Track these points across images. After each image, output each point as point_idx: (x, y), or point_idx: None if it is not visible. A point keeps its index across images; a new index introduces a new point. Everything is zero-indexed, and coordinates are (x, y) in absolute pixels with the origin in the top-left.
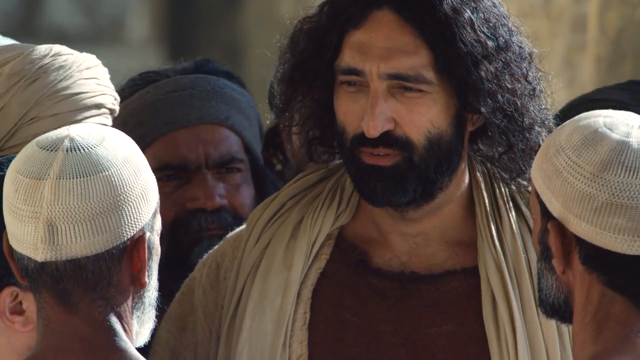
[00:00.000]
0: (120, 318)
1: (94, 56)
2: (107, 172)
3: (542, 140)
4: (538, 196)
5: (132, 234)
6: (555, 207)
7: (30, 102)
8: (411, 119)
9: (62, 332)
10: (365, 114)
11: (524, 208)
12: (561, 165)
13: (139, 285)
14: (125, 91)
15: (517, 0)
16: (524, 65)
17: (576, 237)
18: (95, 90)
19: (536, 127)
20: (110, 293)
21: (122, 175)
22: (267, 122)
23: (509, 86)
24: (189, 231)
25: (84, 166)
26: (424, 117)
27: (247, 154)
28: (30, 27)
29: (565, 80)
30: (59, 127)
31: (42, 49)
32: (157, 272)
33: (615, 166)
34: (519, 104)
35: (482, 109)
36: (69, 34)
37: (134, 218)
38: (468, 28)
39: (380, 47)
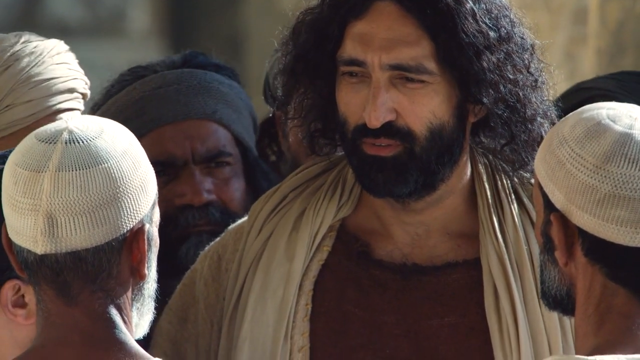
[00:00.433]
0: (120, 310)
1: (62, 42)
2: (106, 164)
3: (545, 131)
4: (541, 188)
5: (131, 225)
6: (558, 199)
7: (4, 90)
8: (413, 109)
9: (61, 325)
10: (367, 104)
11: (525, 200)
12: (564, 157)
13: (139, 277)
14: (114, 87)
15: None
16: (526, 56)
17: (579, 229)
18: (67, 75)
19: (538, 119)
20: (110, 285)
21: (121, 167)
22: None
23: (510, 77)
24: (177, 227)
25: (83, 158)
26: (426, 108)
27: (238, 147)
28: (31, 20)
29: (566, 72)
30: (34, 113)
31: (12, 36)
32: (156, 263)
33: (618, 158)
34: (521, 94)
35: (484, 100)
36: (70, 27)
37: (133, 210)
38: (470, 18)
39: (382, 38)
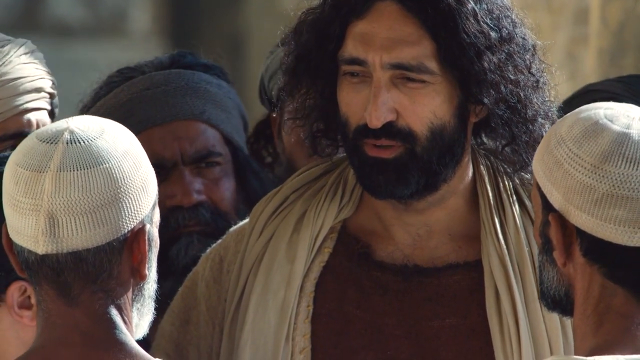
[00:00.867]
0: (120, 310)
1: (29, 41)
2: (107, 165)
3: (546, 132)
4: (539, 188)
5: (132, 226)
6: (556, 199)
7: None
8: (414, 109)
9: (62, 325)
10: (368, 104)
11: (527, 201)
12: (562, 157)
13: (139, 277)
14: (102, 89)
15: None
16: (527, 57)
17: (577, 229)
18: (35, 74)
19: (539, 119)
20: (110, 285)
21: (123, 168)
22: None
23: (512, 77)
24: (167, 228)
25: (85, 159)
26: (427, 108)
27: (228, 146)
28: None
29: (568, 72)
30: (1, 113)
31: None
32: (156, 264)
33: (615, 158)
34: (522, 95)
35: (485, 100)
36: (71, 27)
37: (134, 210)
38: (471, 19)
39: (383, 38)
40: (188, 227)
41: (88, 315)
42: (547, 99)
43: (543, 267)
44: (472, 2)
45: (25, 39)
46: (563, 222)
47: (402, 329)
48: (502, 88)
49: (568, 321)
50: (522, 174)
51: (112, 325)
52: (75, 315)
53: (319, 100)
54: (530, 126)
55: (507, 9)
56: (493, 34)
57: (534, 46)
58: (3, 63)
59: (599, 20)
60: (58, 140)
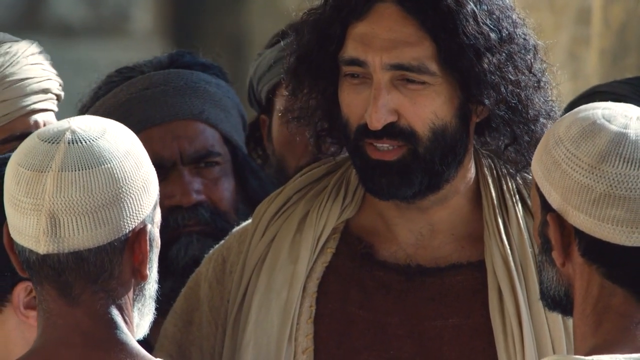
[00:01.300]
0: (121, 310)
1: (36, 43)
2: (109, 165)
3: None
4: (538, 188)
5: (133, 226)
6: (554, 199)
7: None
8: (415, 110)
9: (63, 325)
10: (368, 106)
11: (530, 202)
12: (560, 157)
13: (140, 277)
14: (101, 89)
15: None
16: (529, 57)
17: (575, 229)
18: (42, 75)
19: (541, 119)
20: (111, 285)
21: (124, 168)
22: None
23: (512, 78)
24: (166, 229)
25: (86, 158)
26: (428, 109)
27: (227, 146)
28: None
29: (570, 73)
30: (8, 113)
31: None
32: (157, 264)
33: (613, 158)
34: (522, 96)
35: (486, 101)
36: (73, 27)
37: (135, 210)
38: (471, 20)
39: (383, 39)
40: (187, 227)
41: (89, 315)
42: (549, 99)
43: (542, 267)
44: (471, 3)
45: (27, 38)
46: (561, 222)
47: (405, 328)
48: (503, 89)
49: (571, 322)
50: (525, 174)
51: (113, 325)
52: (76, 315)
53: (321, 101)
54: (532, 126)
55: (508, 9)
56: (493, 35)
57: (535, 46)
58: (10, 64)
59: (601, 20)
60: (60, 140)
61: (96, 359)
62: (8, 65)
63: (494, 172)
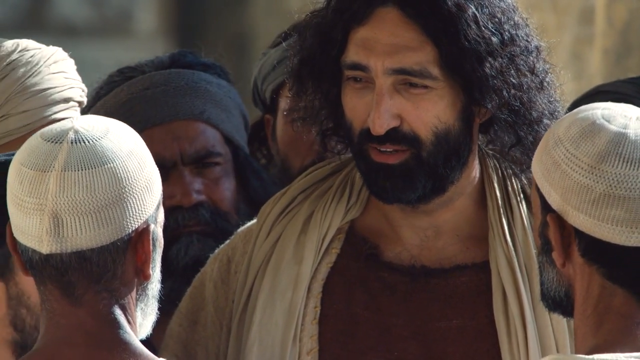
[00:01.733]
0: (124, 310)
1: (60, 49)
2: (112, 164)
3: None
4: (538, 189)
5: (136, 226)
6: (554, 200)
7: (0, 100)
8: (417, 114)
9: (66, 325)
10: (371, 110)
11: None
12: (559, 157)
13: (143, 277)
14: (103, 88)
15: None
16: (531, 58)
17: (575, 229)
18: (64, 84)
19: (544, 120)
20: (114, 285)
21: (127, 168)
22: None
23: (514, 81)
24: (167, 229)
25: (89, 158)
26: (430, 113)
27: (229, 146)
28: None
29: (573, 72)
30: (29, 123)
31: (9, 44)
32: (160, 264)
33: (612, 158)
34: (525, 98)
35: (488, 105)
36: (77, 27)
37: (138, 210)
38: (472, 24)
39: (385, 44)
40: (188, 227)
41: (92, 315)
42: (552, 99)
43: (543, 268)
44: (473, 7)
45: (31, 38)
46: (561, 222)
47: (409, 329)
48: (505, 93)
49: None
50: (530, 174)
51: (116, 325)
52: (79, 315)
53: (324, 102)
54: (536, 127)
55: (510, 11)
56: (494, 39)
57: (537, 47)
58: (32, 74)
59: (604, 20)
60: (63, 140)
61: (99, 358)
62: (30, 76)
63: (499, 172)
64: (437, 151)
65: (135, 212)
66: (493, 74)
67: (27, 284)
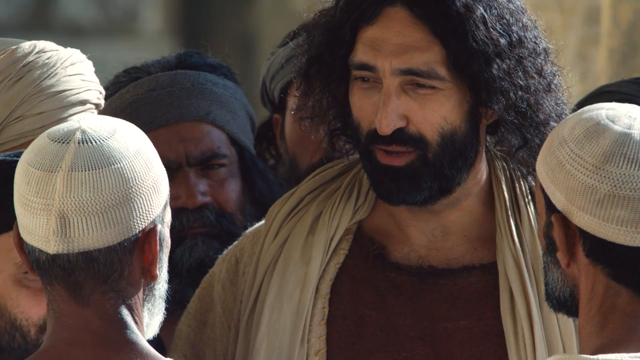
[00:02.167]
0: (131, 310)
1: (78, 51)
2: (119, 165)
3: None
4: (542, 189)
5: (143, 226)
6: (558, 200)
7: (16, 102)
8: (424, 115)
9: (73, 325)
10: (378, 111)
11: None
12: (564, 157)
13: (150, 277)
14: (109, 89)
15: None
16: (539, 60)
17: (580, 229)
18: (80, 86)
19: (552, 122)
20: (121, 285)
21: (134, 168)
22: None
23: (522, 83)
24: (171, 230)
25: (96, 158)
26: (437, 114)
27: (235, 147)
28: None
29: (579, 73)
30: (45, 125)
31: (26, 46)
32: (167, 264)
33: (617, 158)
34: (532, 100)
35: (495, 107)
36: (83, 27)
37: (145, 210)
38: (480, 25)
39: (393, 44)
40: (192, 229)
41: (99, 315)
42: (559, 101)
43: (547, 268)
44: (481, 8)
45: (37, 38)
46: (566, 222)
47: (417, 330)
48: (512, 95)
49: None
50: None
51: (123, 325)
52: (86, 315)
53: (333, 101)
54: (543, 129)
55: (519, 12)
56: (502, 41)
57: (545, 49)
58: (48, 75)
59: (610, 20)
60: (70, 140)
61: (106, 358)
62: (46, 77)
63: (507, 173)
64: (443, 152)
65: (143, 212)
66: (500, 75)
67: None
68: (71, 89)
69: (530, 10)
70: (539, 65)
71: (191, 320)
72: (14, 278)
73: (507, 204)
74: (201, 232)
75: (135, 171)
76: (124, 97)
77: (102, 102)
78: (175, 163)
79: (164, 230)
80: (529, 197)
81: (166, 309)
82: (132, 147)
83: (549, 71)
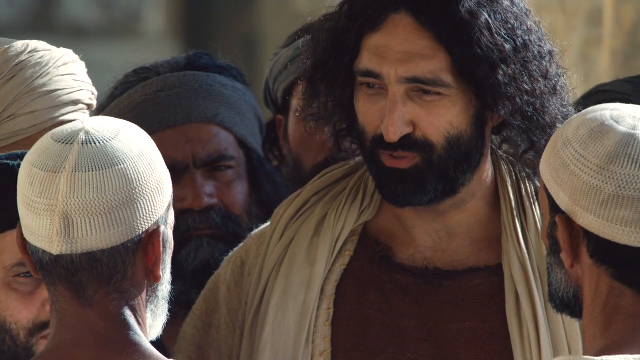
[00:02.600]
0: (134, 312)
1: (70, 51)
2: (122, 165)
3: None
4: (546, 190)
5: (147, 227)
6: (563, 200)
7: (8, 100)
8: (430, 121)
9: (76, 326)
10: (384, 117)
11: None
12: (568, 158)
13: (154, 278)
14: (118, 89)
15: None
16: (544, 63)
17: (584, 230)
18: (73, 86)
19: (558, 125)
20: (124, 286)
21: (138, 169)
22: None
23: (527, 88)
24: (177, 232)
25: (100, 159)
26: (443, 119)
27: (242, 149)
28: (46, 21)
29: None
30: (36, 124)
31: (19, 45)
32: (170, 265)
33: (621, 158)
34: (538, 104)
35: (501, 112)
36: (85, 28)
37: (149, 211)
38: (485, 32)
39: (398, 51)
40: (198, 231)
41: (102, 317)
42: (565, 103)
43: (551, 269)
44: (485, 14)
45: (39, 39)
46: (570, 223)
47: (422, 331)
48: (518, 100)
49: None
50: None
51: (126, 326)
52: (89, 316)
53: (338, 105)
54: (549, 131)
55: (524, 15)
56: (507, 46)
57: (550, 52)
58: (40, 75)
59: (612, 21)
60: (73, 141)
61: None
62: (38, 77)
63: (513, 175)
64: (448, 156)
65: (146, 213)
66: (506, 81)
67: None
68: (63, 89)
69: (533, 12)
70: (544, 68)
71: (196, 321)
72: (3, 282)
73: (513, 205)
74: (207, 233)
75: (139, 172)
76: (133, 97)
77: (95, 102)
78: (183, 164)
79: (168, 232)
80: (535, 198)
81: (170, 310)
82: (136, 148)
83: (554, 73)
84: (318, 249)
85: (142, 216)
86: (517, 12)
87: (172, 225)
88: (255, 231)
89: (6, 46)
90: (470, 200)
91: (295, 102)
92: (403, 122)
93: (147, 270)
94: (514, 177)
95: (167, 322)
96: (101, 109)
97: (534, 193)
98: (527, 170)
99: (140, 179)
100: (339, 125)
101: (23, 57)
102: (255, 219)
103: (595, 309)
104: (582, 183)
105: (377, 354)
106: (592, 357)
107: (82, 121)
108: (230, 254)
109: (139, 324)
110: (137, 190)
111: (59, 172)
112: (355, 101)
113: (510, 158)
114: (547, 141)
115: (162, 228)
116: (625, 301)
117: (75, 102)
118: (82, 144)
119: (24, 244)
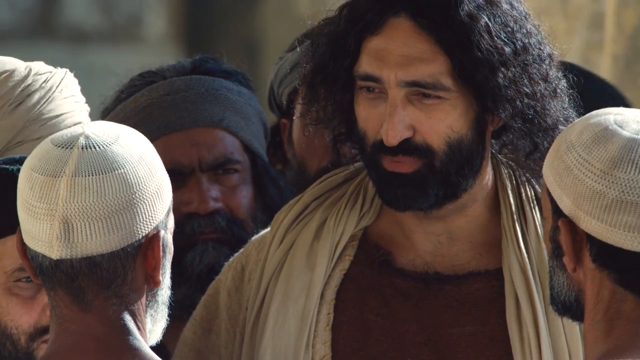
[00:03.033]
0: (134, 316)
1: (67, 70)
2: (122, 170)
3: None
4: (549, 194)
5: (147, 232)
6: (565, 205)
7: (17, 128)
8: (430, 125)
9: (75, 331)
10: (384, 122)
11: None
12: (572, 162)
13: (153, 283)
14: (123, 92)
15: None
16: (544, 66)
17: (587, 234)
18: (74, 109)
19: (560, 127)
20: (124, 291)
21: (138, 173)
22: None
23: (527, 91)
24: (182, 235)
25: (100, 164)
26: (443, 123)
27: (247, 153)
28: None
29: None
30: None
31: (22, 69)
32: (170, 270)
33: (625, 163)
34: (538, 107)
35: (502, 115)
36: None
37: (149, 216)
38: (485, 35)
39: (398, 55)
40: (203, 235)
41: (101, 321)
42: (566, 104)
43: (553, 273)
44: (485, 17)
45: (41, 44)
46: (573, 227)
47: (422, 336)
48: (518, 102)
49: None
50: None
51: (126, 331)
52: (89, 321)
53: (338, 110)
54: (551, 133)
55: (523, 18)
56: (507, 49)
57: (550, 54)
58: (47, 100)
59: (614, 25)
60: (73, 145)
61: None
62: (45, 102)
63: (513, 179)
64: (449, 160)
65: (146, 218)
66: (506, 84)
67: None
68: (66, 112)
69: (533, 15)
70: (544, 71)
71: (196, 327)
72: (4, 286)
73: (513, 209)
74: (212, 237)
75: (139, 176)
76: (139, 101)
77: (89, 120)
78: (188, 168)
79: (167, 237)
80: (535, 202)
81: (174, 314)
82: (136, 152)
83: (554, 76)
84: (318, 253)
85: (141, 221)
86: (517, 15)
87: (172, 230)
88: (256, 236)
89: (8, 70)
90: (471, 205)
91: (300, 106)
92: (403, 126)
93: (146, 275)
94: (514, 182)
95: (170, 326)
96: (106, 112)
97: (534, 197)
98: (527, 174)
99: (140, 183)
100: (338, 129)
101: (28, 82)
102: (260, 223)
103: (597, 314)
104: (585, 187)
105: (377, 359)
106: None
107: (82, 126)
108: (230, 259)
109: (138, 328)
110: (136, 194)
111: (58, 177)
112: (355, 105)
113: (510, 162)
114: (549, 142)
115: (162, 233)
116: (627, 306)
117: (77, 124)
118: (82, 148)
119: (23, 248)
